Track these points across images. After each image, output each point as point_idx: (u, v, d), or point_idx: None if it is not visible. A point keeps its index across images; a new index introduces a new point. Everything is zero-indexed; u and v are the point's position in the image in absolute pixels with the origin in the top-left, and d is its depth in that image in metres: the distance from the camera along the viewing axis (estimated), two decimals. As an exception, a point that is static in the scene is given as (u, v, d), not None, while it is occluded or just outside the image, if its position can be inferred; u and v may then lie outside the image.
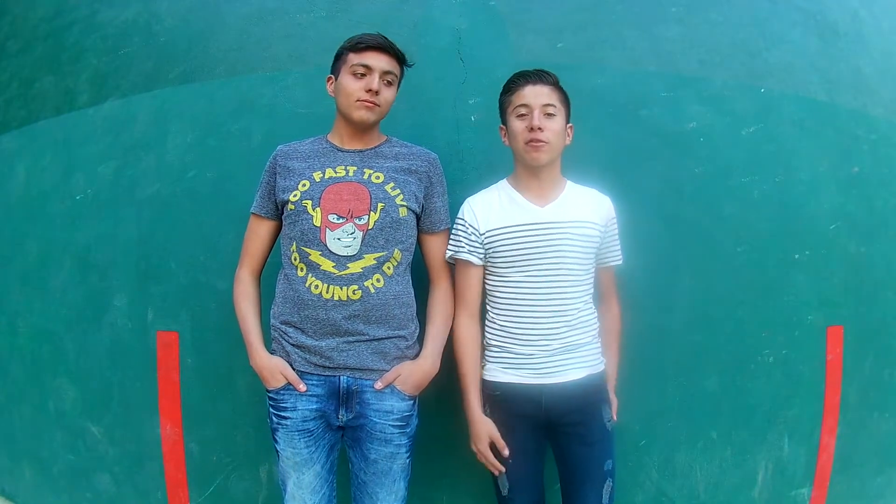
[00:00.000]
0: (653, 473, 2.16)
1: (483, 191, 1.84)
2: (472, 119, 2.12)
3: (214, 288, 2.18)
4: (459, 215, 1.81)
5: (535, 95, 1.70)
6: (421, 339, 1.80)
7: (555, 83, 1.74)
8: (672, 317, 2.15)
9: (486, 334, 1.81)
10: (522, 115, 1.71)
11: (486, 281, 1.81)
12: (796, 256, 2.26)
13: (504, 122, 1.79)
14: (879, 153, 2.48)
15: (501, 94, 1.79)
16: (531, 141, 1.68)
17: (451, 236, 1.81)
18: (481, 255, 1.78)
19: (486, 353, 1.82)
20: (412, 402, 1.74)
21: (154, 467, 2.27)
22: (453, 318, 1.81)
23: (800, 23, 2.42)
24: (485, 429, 1.74)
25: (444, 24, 2.18)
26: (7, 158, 2.64)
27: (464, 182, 2.07)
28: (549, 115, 1.70)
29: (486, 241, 1.76)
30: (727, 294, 2.19)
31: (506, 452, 1.73)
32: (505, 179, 1.84)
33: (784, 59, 2.35)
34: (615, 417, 1.84)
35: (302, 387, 1.68)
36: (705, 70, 2.24)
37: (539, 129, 1.67)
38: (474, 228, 1.76)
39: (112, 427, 2.33)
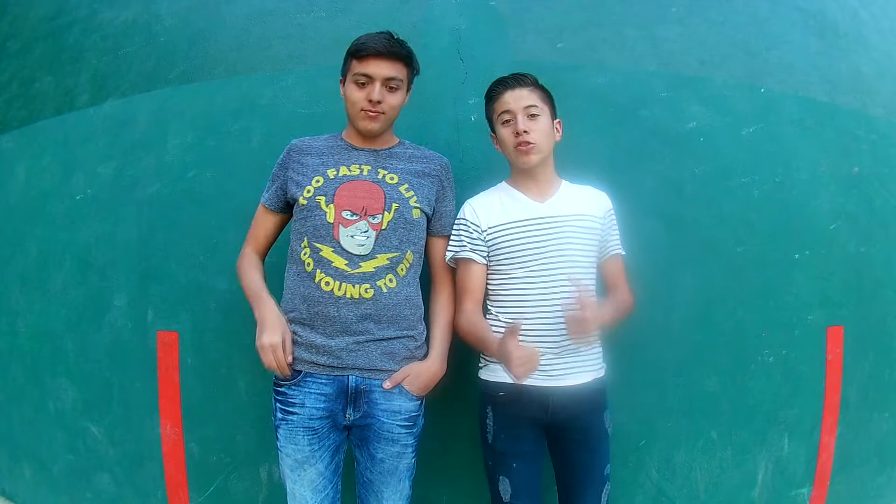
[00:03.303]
0: (653, 473, 2.16)
1: (482, 192, 1.85)
2: (472, 119, 2.12)
3: (214, 288, 2.18)
4: (460, 215, 1.81)
5: (516, 99, 1.71)
6: (427, 341, 1.79)
7: (534, 83, 1.75)
8: (672, 317, 2.14)
9: None
10: (507, 121, 1.72)
11: (489, 280, 1.79)
12: (796, 256, 2.26)
13: (493, 130, 1.81)
14: (879, 153, 2.48)
15: (486, 104, 1.80)
16: (519, 145, 1.70)
17: (452, 237, 1.80)
18: (484, 254, 1.77)
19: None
20: (419, 402, 1.74)
21: (154, 467, 2.27)
22: (456, 309, 1.79)
23: (800, 23, 2.42)
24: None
25: (444, 24, 2.18)
26: (7, 158, 2.63)
27: (464, 182, 2.07)
28: (533, 115, 1.71)
29: (488, 239, 1.75)
30: (727, 294, 2.19)
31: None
32: (504, 181, 1.85)
33: (784, 59, 2.35)
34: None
35: (287, 371, 1.65)
36: (705, 70, 2.25)
37: (525, 131, 1.69)
38: (476, 226, 1.76)
39: (112, 427, 2.33)
